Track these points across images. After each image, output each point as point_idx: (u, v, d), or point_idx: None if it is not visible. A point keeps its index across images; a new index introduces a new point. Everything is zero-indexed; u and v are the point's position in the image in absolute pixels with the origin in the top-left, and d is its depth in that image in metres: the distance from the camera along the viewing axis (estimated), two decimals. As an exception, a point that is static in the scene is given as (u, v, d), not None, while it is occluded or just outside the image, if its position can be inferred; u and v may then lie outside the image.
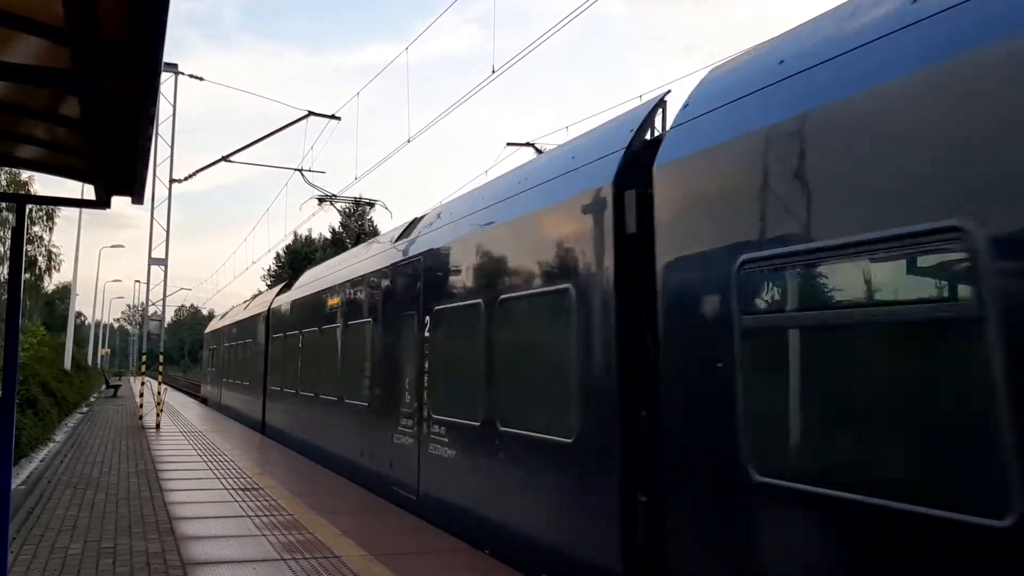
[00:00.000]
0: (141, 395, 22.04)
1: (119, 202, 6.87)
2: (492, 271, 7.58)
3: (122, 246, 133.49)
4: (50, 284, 56.82)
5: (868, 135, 3.70)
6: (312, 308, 14.98)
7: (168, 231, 21.94)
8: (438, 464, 8.49)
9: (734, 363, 4.32)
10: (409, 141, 18.82)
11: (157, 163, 21.78)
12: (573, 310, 6.02)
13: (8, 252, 37.25)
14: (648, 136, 5.90)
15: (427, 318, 9.04)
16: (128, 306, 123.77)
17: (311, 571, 6.56)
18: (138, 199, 5.82)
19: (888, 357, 3.74)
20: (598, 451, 5.68)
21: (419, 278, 9.37)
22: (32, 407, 17.50)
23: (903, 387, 3.64)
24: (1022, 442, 2.97)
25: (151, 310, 23.03)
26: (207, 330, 38.33)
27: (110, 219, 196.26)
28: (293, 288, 17.99)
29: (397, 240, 10.82)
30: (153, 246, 21.75)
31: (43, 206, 39.53)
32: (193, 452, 15.00)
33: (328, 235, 61.42)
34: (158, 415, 20.40)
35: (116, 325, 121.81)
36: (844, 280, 3.89)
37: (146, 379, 24.24)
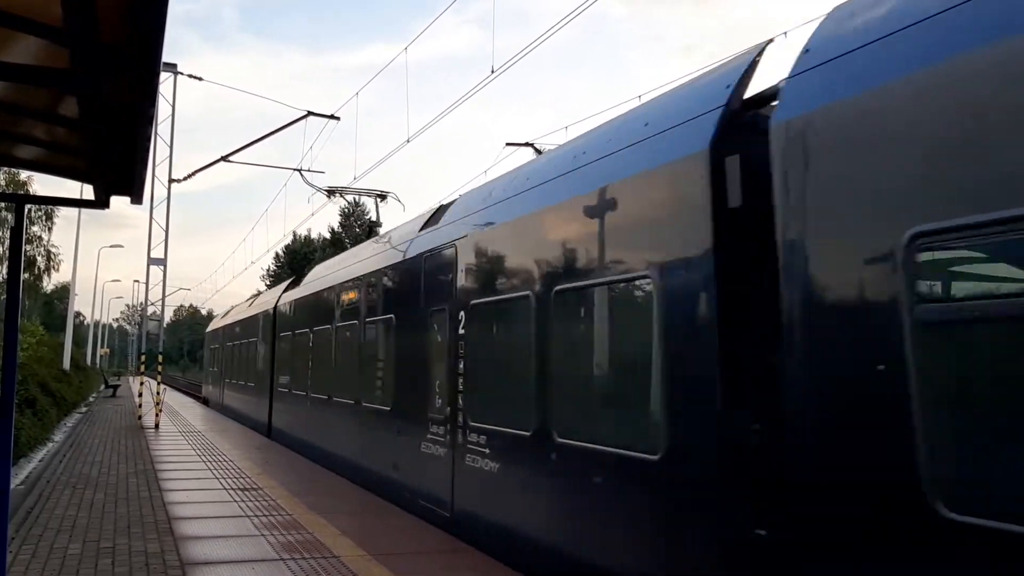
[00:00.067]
0: (140, 395, 22.02)
1: (118, 202, 6.88)
2: (545, 259, 6.67)
3: (121, 246, 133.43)
4: (49, 284, 56.86)
5: None
6: (325, 305, 14.04)
7: (167, 231, 22.00)
8: (477, 478, 7.57)
9: (905, 365, 3.39)
10: (408, 141, 18.75)
11: (156, 163, 21.85)
12: (655, 302, 5.11)
13: (7, 252, 37.19)
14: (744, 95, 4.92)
15: (462, 313, 8.14)
16: (127, 306, 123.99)
17: (310, 571, 6.56)
18: (137, 199, 5.83)
19: None
20: (697, 471, 4.72)
21: (452, 269, 8.48)
22: (31, 407, 17.47)
23: None
24: None
25: (150, 310, 23.04)
26: (208, 329, 37.59)
27: (109, 219, 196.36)
28: (303, 284, 17.03)
29: (423, 229, 9.92)
30: (152, 246, 21.76)
31: (42, 206, 39.53)
32: (192, 452, 15.00)
33: (327, 235, 61.65)
34: (157, 415, 20.38)
35: (115, 325, 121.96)
36: None
37: (145, 379, 24.16)
